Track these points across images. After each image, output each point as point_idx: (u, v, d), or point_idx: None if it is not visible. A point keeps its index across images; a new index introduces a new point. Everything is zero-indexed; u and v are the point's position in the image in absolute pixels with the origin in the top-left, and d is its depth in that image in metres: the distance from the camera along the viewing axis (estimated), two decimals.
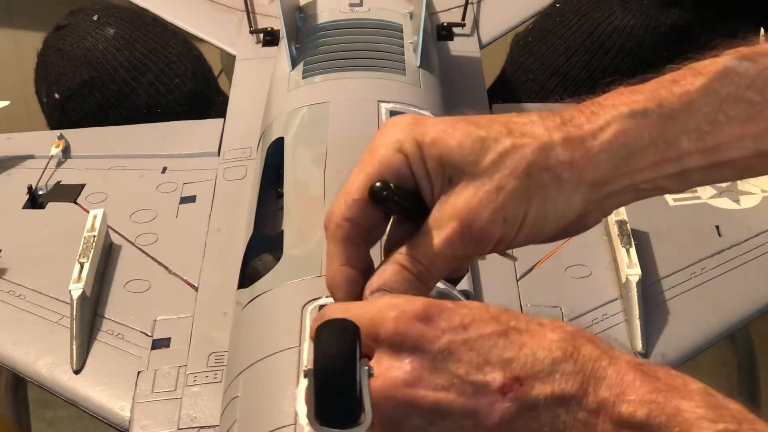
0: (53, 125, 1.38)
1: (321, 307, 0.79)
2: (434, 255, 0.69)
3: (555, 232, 0.71)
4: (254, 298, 0.86)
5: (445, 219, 0.69)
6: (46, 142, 1.23)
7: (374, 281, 0.69)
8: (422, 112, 1.07)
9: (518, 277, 0.98)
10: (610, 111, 0.70)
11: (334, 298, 0.72)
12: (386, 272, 0.69)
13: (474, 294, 0.92)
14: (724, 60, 0.71)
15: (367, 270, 0.70)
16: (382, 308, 0.64)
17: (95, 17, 1.37)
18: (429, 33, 1.25)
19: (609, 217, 1.01)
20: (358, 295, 0.70)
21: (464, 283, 0.89)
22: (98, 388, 0.92)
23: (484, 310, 0.64)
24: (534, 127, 0.70)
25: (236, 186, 1.12)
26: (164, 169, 1.18)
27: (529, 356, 0.62)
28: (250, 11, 1.38)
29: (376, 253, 0.71)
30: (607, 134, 0.69)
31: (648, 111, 0.70)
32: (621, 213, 1.00)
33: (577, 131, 0.70)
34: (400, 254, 0.69)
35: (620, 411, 0.60)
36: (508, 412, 0.61)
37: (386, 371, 0.62)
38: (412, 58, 1.14)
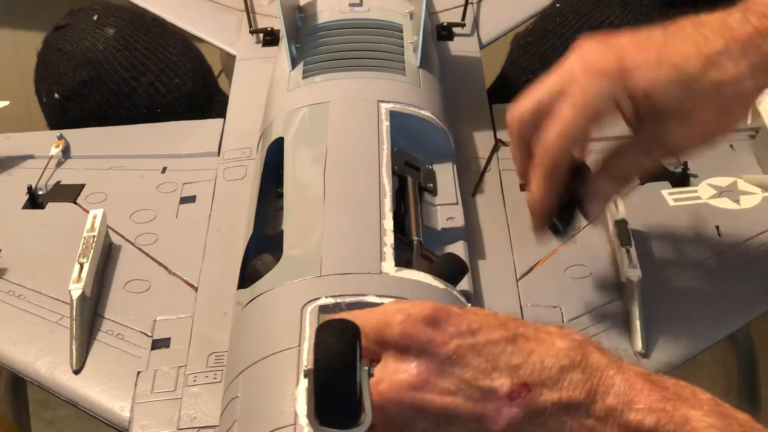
0: (53, 125, 1.38)
1: (321, 307, 0.79)
2: (641, 168, 0.90)
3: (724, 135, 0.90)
4: (254, 298, 0.86)
5: (655, 146, 0.86)
6: (46, 142, 1.23)
7: (592, 183, 0.88)
8: (422, 112, 1.07)
9: (518, 277, 0.98)
10: None
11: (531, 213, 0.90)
12: (602, 179, 0.88)
13: (474, 294, 0.92)
14: None
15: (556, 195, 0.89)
16: (388, 313, 0.64)
17: (95, 17, 1.37)
18: (429, 33, 1.25)
19: (609, 217, 1.01)
20: (548, 211, 0.89)
21: (464, 284, 0.89)
22: (98, 388, 0.92)
23: (492, 316, 0.64)
24: (724, 60, 0.82)
25: (236, 186, 1.12)
26: (164, 169, 1.18)
27: (537, 363, 0.61)
28: (250, 11, 1.38)
29: None
30: None
31: None
32: (621, 213, 1.00)
33: (757, 60, 0.81)
34: (613, 166, 0.88)
35: (628, 419, 0.60)
36: (515, 418, 0.61)
37: (392, 374, 0.62)
38: (412, 58, 1.15)
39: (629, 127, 0.88)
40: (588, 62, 0.85)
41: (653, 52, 0.84)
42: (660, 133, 0.85)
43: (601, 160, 0.90)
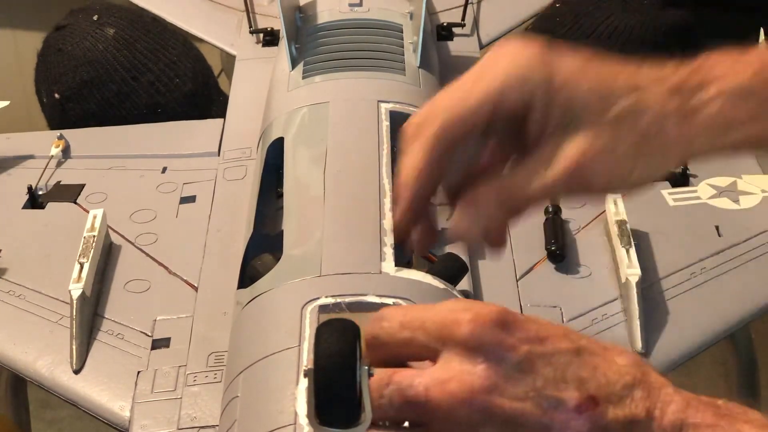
0: (53, 125, 1.38)
1: (321, 307, 0.79)
2: (536, 188, 0.71)
3: (642, 185, 0.74)
4: (254, 298, 0.86)
5: (556, 159, 0.71)
6: (46, 142, 1.23)
7: (469, 198, 0.73)
8: None
9: (518, 277, 0.98)
10: (717, 84, 0.72)
11: (397, 201, 0.75)
12: (482, 194, 0.72)
13: (474, 294, 0.92)
14: None
15: (435, 183, 0.74)
16: (454, 310, 0.63)
17: (95, 17, 1.37)
18: (429, 33, 1.25)
19: (609, 217, 1.01)
20: (420, 199, 0.74)
21: (464, 283, 0.89)
22: (98, 388, 0.92)
23: (552, 326, 0.63)
24: (650, 93, 0.72)
25: (236, 186, 1.12)
26: (164, 169, 1.18)
27: (603, 378, 0.61)
28: (250, 11, 1.38)
29: None
30: (712, 109, 0.72)
31: (754, 90, 0.71)
32: (621, 213, 1.00)
33: (685, 104, 0.72)
34: (498, 181, 0.72)
35: None
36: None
37: (460, 374, 0.61)
38: (412, 58, 1.15)
39: (527, 142, 0.73)
40: (511, 49, 0.76)
41: (583, 57, 0.74)
42: (568, 144, 0.72)
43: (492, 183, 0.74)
